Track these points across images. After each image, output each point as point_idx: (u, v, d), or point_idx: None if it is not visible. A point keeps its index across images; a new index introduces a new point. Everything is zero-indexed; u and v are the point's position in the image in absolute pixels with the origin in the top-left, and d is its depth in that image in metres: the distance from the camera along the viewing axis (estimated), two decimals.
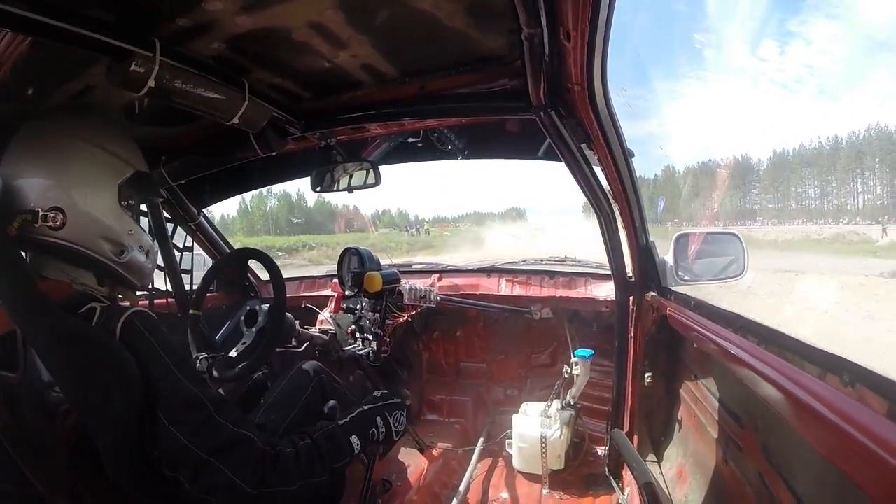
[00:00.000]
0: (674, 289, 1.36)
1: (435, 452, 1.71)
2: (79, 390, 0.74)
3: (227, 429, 0.75)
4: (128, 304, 0.86)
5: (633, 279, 1.47)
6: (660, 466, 1.40)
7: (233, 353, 1.25)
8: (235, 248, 1.94)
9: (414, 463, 1.61)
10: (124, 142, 0.90)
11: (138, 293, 0.99)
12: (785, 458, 0.76)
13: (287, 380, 1.23)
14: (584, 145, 1.09)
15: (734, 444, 0.95)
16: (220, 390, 1.20)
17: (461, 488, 1.60)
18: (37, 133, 0.82)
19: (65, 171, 0.80)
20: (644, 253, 1.40)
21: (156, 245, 0.99)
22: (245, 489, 0.73)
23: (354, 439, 0.92)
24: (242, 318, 1.31)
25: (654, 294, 1.39)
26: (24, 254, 0.83)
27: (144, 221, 1.14)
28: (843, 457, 0.49)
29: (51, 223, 0.78)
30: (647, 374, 1.44)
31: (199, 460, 0.72)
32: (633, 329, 1.47)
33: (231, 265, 1.87)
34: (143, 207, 1.12)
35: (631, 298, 1.48)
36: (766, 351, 0.72)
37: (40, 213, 0.77)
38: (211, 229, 1.80)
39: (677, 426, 1.38)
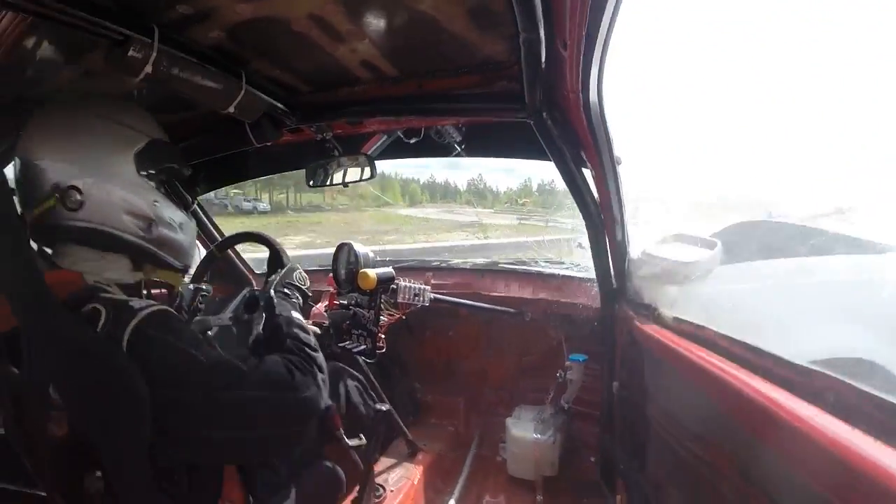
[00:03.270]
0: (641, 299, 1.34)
1: (428, 457, 1.70)
2: (79, 404, 0.69)
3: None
4: (140, 305, 0.72)
5: (616, 287, 1.46)
6: (646, 475, 1.40)
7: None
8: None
9: (407, 468, 1.60)
10: (136, 112, 0.86)
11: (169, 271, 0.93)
12: (762, 474, 0.76)
13: None
14: (575, 151, 1.10)
15: (706, 462, 0.95)
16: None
17: (455, 494, 1.59)
18: (48, 116, 0.80)
19: (75, 147, 0.77)
20: (621, 261, 1.39)
21: (193, 220, 0.93)
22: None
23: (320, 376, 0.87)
24: (241, 306, 1.21)
25: (624, 304, 1.38)
26: (46, 246, 0.80)
27: None
28: (818, 475, 0.50)
29: (69, 204, 0.74)
30: (614, 384, 1.43)
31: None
32: (616, 337, 1.47)
33: (226, 250, 1.78)
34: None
35: (616, 306, 1.48)
36: (729, 363, 0.72)
37: (57, 196, 0.74)
38: (205, 217, 1.80)
39: (655, 438, 1.38)
